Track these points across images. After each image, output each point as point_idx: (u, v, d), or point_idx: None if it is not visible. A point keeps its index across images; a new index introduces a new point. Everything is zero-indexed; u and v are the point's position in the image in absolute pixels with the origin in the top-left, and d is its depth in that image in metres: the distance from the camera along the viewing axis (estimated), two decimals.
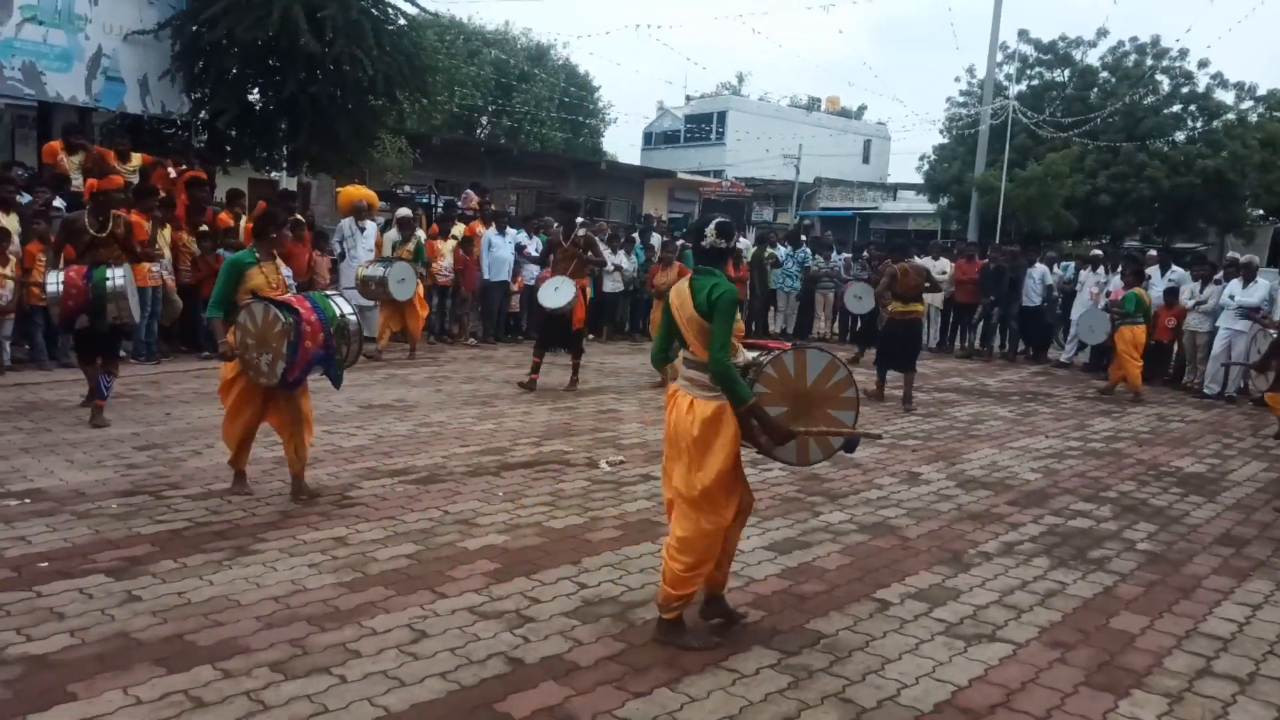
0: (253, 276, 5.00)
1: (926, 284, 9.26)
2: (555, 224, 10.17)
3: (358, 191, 11.96)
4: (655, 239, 14.78)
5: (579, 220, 10.37)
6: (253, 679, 3.12)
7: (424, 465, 5.97)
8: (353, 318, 5.20)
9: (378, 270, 10.12)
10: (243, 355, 4.85)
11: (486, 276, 12.26)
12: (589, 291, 10.49)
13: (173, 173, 10.51)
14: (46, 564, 4.00)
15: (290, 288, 5.39)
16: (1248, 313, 10.21)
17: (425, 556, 4.33)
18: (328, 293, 5.40)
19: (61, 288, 6.25)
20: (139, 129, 12.12)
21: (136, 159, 10.27)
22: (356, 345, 5.30)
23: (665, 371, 3.47)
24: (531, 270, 11.72)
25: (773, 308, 15.59)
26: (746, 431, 3.46)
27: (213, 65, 11.68)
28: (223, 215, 10.40)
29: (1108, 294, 12.13)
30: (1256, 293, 10.56)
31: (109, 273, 6.33)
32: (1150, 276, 11.91)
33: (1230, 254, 12.39)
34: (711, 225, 3.60)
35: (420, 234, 11.42)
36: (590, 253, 9.18)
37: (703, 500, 3.43)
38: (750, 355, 3.62)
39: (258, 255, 5.08)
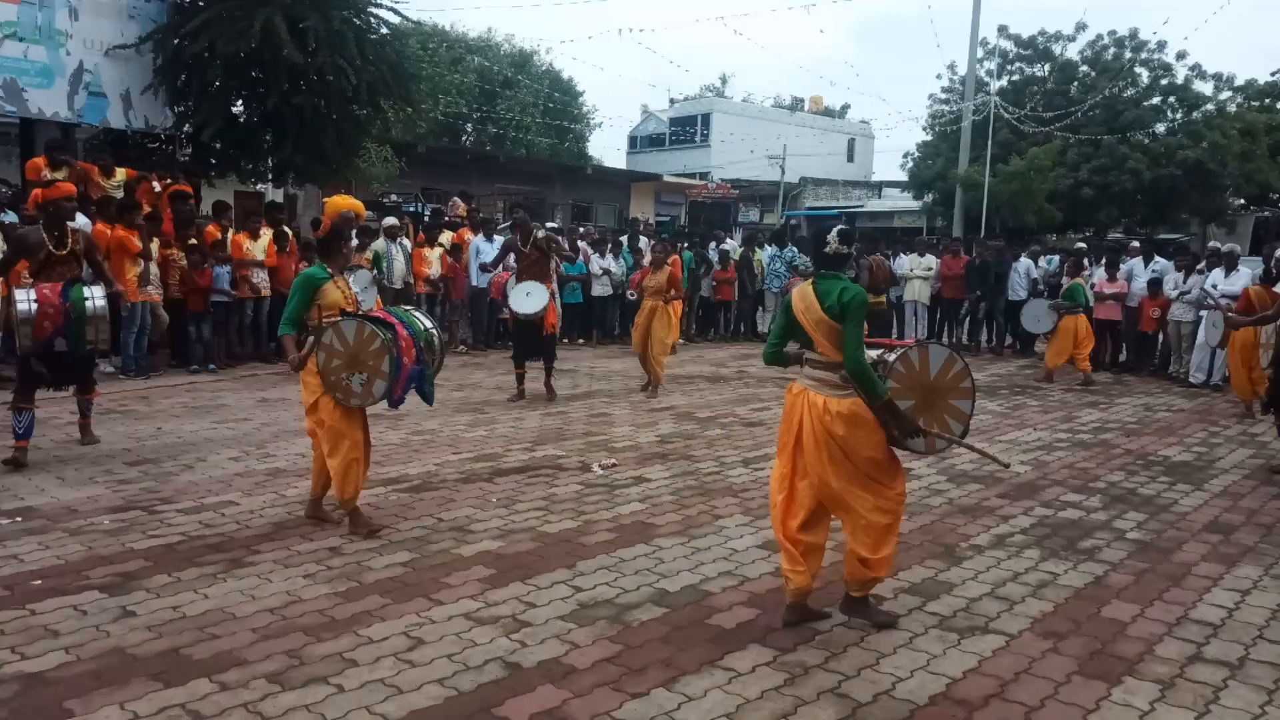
0: (329, 292, 4.77)
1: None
2: (510, 226, 9.60)
3: (345, 202, 11.79)
4: (643, 242, 14.81)
5: (543, 223, 10.32)
6: (250, 691, 3.12)
7: (417, 473, 5.98)
8: (435, 331, 5.06)
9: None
10: (327, 376, 4.59)
11: (475, 283, 12.26)
12: (559, 296, 10.53)
13: (157, 187, 10.49)
14: (40, 581, 3.99)
15: (359, 304, 5.12)
16: (1202, 300, 10.44)
17: (420, 564, 4.34)
18: (404, 306, 5.36)
19: (35, 307, 5.67)
20: (123, 144, 12.07)
21: (121, 174, 10.24)
22: (441, 359, 5.14)
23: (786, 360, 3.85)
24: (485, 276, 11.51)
25: (760, 308, 15.65)
26: (880, 422, 3.67)
27: (195, 78, 11.64)
28: (210, 228, 10.38)
29: (1092, 286, 12.23)
30: (1239, 281, 10.65)
31: (87, 292, 5.87)
32: (1089, 268, 12.57)
33: (1212, 244, 12.52)
34: (834, 232, 3.77)
35: (381, 241, 11.45)
36: (556, 253, 9.05)
37: (872, 485, 3.64)
38: (873, 354, 3.81)
39: (330, 270, 4.85)
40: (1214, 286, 10.76)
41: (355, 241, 10.43)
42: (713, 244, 15.62)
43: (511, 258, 9.19)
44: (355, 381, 4.59)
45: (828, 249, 3.76)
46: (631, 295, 9.28)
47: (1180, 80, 27.23)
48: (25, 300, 5.71)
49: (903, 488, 3.76)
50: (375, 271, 10.11)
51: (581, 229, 16.69)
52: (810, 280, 3.77)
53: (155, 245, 9.36)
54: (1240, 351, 8.59)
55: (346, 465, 4.66)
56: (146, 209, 9.63)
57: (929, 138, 30.36)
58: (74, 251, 6.03)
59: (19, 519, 4.80)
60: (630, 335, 13.25)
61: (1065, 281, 11.51)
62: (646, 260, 13.90)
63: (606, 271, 13.65)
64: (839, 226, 3.84)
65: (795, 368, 3.84)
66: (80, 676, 3.19)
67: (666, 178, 33.76)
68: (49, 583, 3.98)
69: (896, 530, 3.76)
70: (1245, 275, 10.76)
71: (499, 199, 23.68)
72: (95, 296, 5.88)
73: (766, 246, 15.50)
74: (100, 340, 6.00)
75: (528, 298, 8.53)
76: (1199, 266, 11.53)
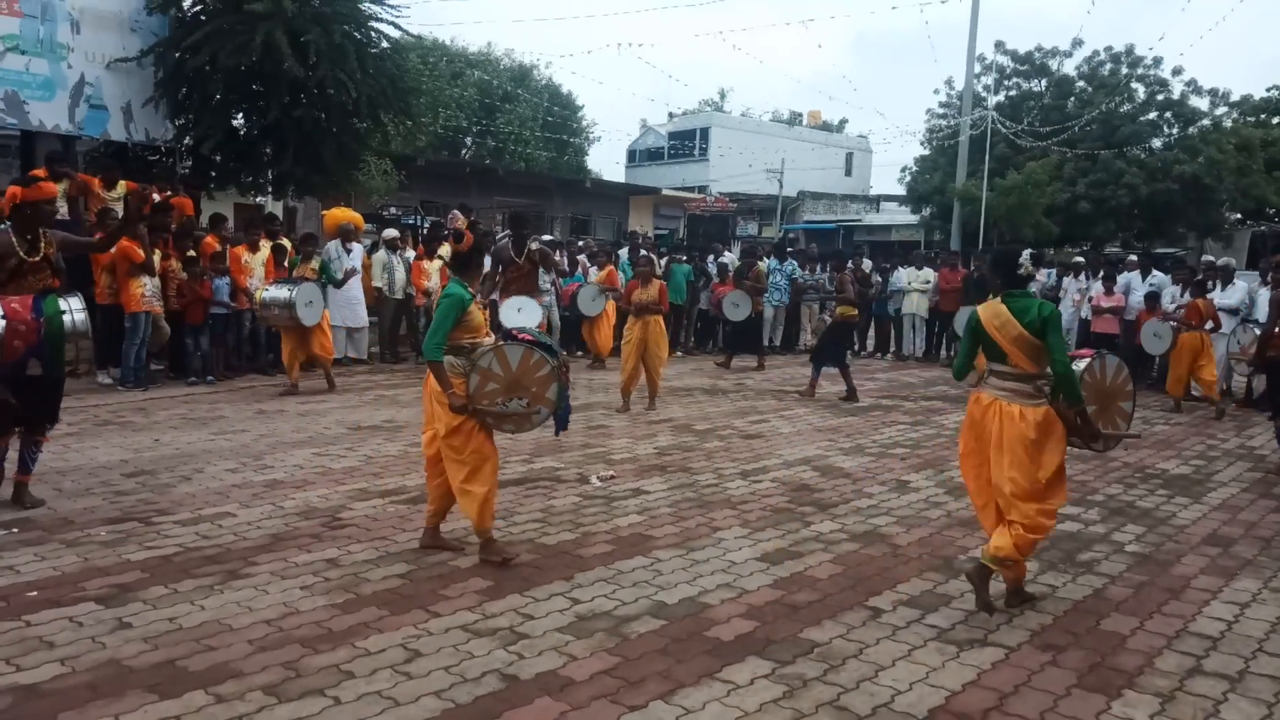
0: (474, 314, 4.50)
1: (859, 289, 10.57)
2: (504, 238, 9.20)
3: (344, 214, 11.98)
4: (643, 255, 14.83)
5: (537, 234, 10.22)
6: (246, 703, 3.10)
7: (415, 485, 5.96)
8: (561, 354, 4.77)
9: (282, 292, 8.98)
10: (479, 401, 4.35)
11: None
12: (556, 309, 10.48)
13: (157, 199, 10.50)
14: (35, 593, 3.98)
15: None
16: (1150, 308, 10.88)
17: (418, 576, 4.32)
18: (530, 327, 5.23)
19: (3, 324, 4.80)
20: (123, 157, 12.11)
21: (121, 186, 10.26)
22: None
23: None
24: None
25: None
26: (1069, 428, 4.11)
27: (196, 91, 11.70)
28: (209, 239, 10.40)
29: (1090, 299, 12.26)
30: (1234, 294, 10.72)
31: (63, 304, 5.02)
32: (1037, 278, 13.07)
33: (1206, 258, 12.57)
34: (1025, 255, 4.14)
35: (383, 253, 11.45)
36: (546, 266, 8.90)
37: (1045, 490, 4.04)
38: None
39: (471, 290, 4.58)
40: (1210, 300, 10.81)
41: (384, 252, 10.30)
42: (711, 257, 15.65)
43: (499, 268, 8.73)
44: (514, 405, 4.42)
45: (1020, 270, 4.14)
46: (629, 309, 9.21)
47: (1176, 96, 27.41)
48: None
49: (1062, 498, 4.19)
50: (323, 280, 9.56)
51: (580, 242, 16.72)
52: (999, 299, 4.12)
53: (157, 257, 9.39)
54: (1186, 355, 10.02)
55: (488, 492, 4.46)
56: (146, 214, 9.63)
57: (927, 152, 30.52)
58: (48, 258, 5.15)
59: (15, 530, 4.78)
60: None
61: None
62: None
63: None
64: (1028, 250, 4.21)
65: (975, 381, 4.31)
66: (75, 688, 3.17)
67: (665, 191, 33.86)
68: (45, 594, 3.97)
69: (1038, 540, 4.14)
70: (1241, 288, 10.81)
71: (498, 212, 23.74)
72: (74, 309, 5.08)
73: (768, 259, 15.52)
74: (81, 360, 5.14)
75: (519, 313, 7.98)
76: (1197, 279, 11.57)
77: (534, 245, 8.76)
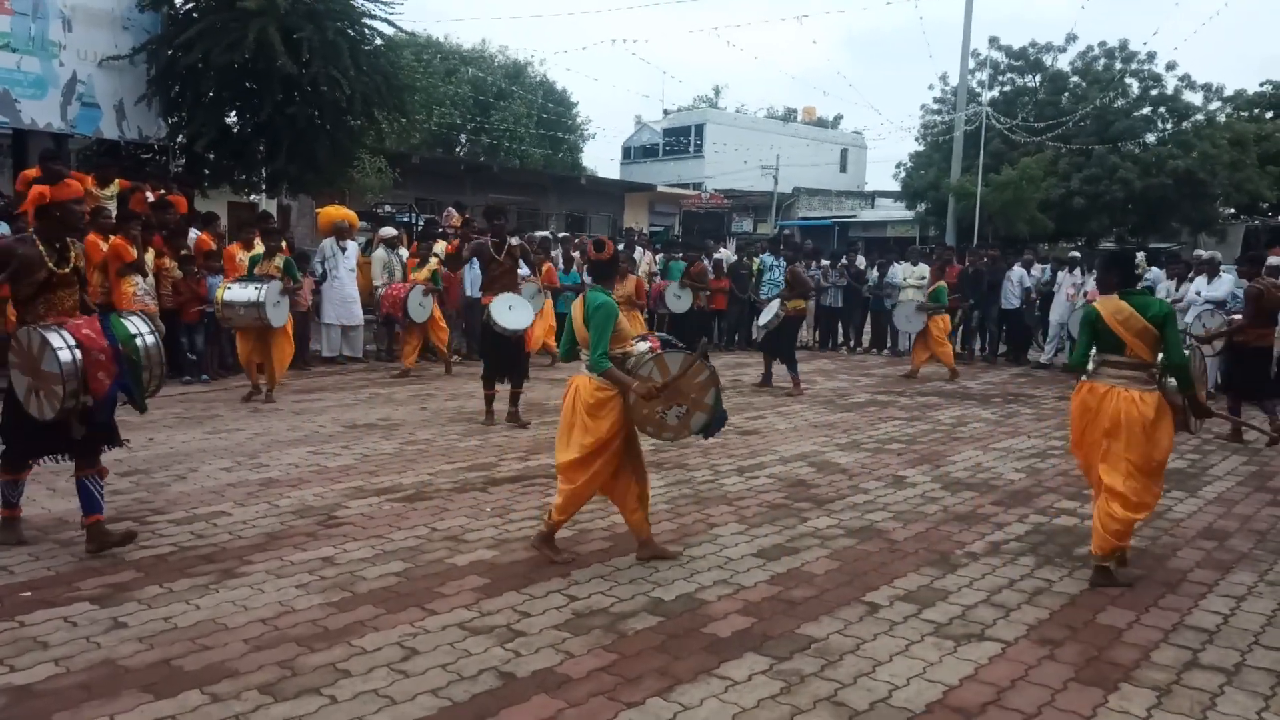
0: (623, 322, 4.46)
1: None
2: (487, 235, 8.71)
3: (338, 212, 11.96)
4: (640, 253, 14.82)
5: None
6: (242, 702, 3.09)
7: (411, 483, 5.95)
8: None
9: (249, 292, 8.21)
10: (639, 410, 4.30)
11: (470, 294, 12.25)
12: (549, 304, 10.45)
13: (151, 197, 10.47)
14: (30, 593, 3.96)
15: None
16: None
17: (414, 574, 4.31)
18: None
19: (79, 354, 4.22)
20: (116, 155, 12.06)
21: (115, 185, 10.22)
22: None
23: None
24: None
25: (755, 317, 15.64)
26: (1176, 411, 4.49)
27: (189, 89, 11.65)
28: (203, 237, 10.37)
29: (1084, 294, 12.28)
30: (1221, 287, 10.78)
31: (131, 326, 4.57)
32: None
33: (1196, 252, 12.65)
34: (1140, 256, 4.68)
35: (381, 251, 11.39)
36: (525, 261, 8.85)
37: (1158, 468, 4.44)
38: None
39: (615, 298, 4.54)
40: (1197, 294, 10.87)
41: (384, 251, 10.13)
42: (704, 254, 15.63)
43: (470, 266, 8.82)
44: (671, 415, 4.38)
45: (1138, 270, 4.66)
46: None
47: (1170, 91, 27.45)
48: (65, 347, 4.21)
49: (1162, 481, 4.60)
50: (287, 279, 8.72)
51: (576, 239, 16.69)
52: (1117, 296, 4.44)
53: (151, 256, 9.35)
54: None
55: (586, 493, 4.49)
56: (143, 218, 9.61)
57: (921, 148, 30.51)
58: (77, 269, 4.54)
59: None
60: None
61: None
62: (641, 270, 13.97)
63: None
64: (1143, 250, 5.00)
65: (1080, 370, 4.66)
66: (70, 688, 3.16)
67: (660, 188, 33.82)
68: (39, 594, 3.95)
69: (1140, 519, 4.50)
70: (1228, 281, 10.87)
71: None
72: (144, 332, 4.60)
73: (764, 255, 15.51)
74: (153, 387, 4.71)
75: (510, 311, 7.78)
76: (1190, 274, 11.63)
77: (514, 241, 8.60)
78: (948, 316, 12.22)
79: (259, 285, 8.33)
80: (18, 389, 4.35)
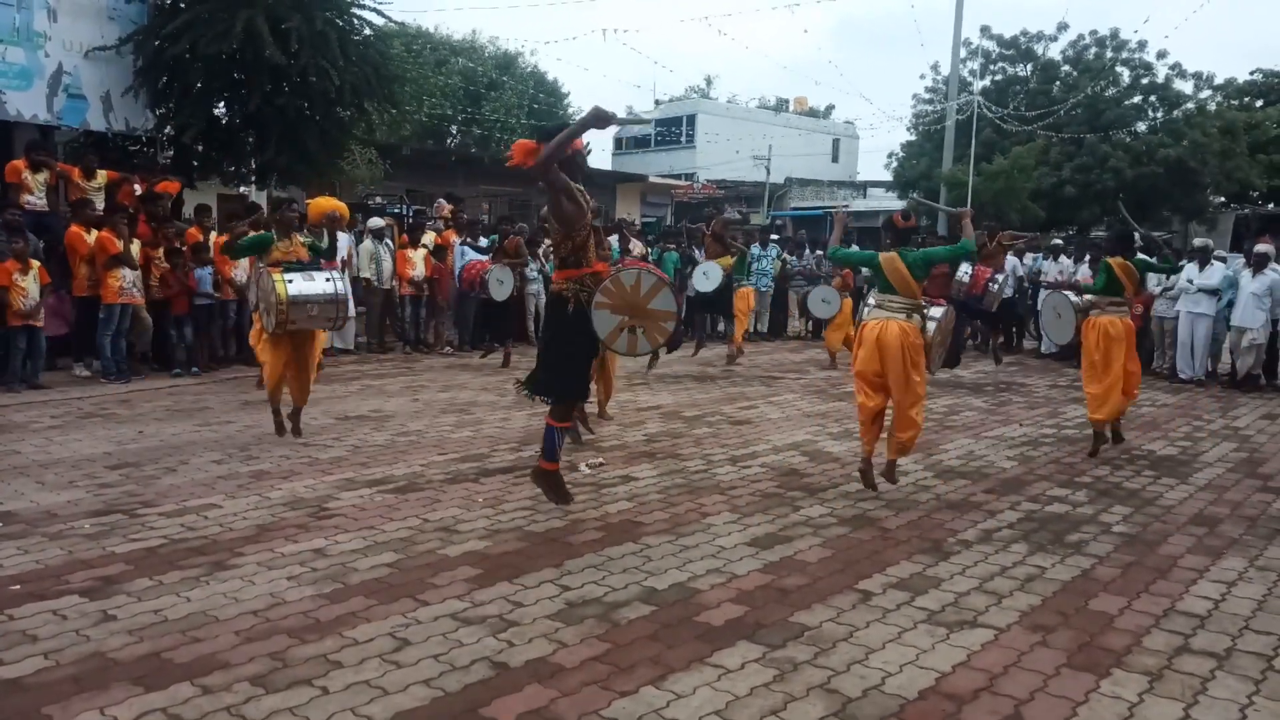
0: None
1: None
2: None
3: (329, 203, 11.75)
4: (633, 244, 14.77)
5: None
6: (233, 694, 3.07)
7: (402, 474, 5.93)
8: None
9: (319, 285, 6.64)
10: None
11: (459, 285, 12.22)
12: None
13: (139, 189, 10.39)
14: (18, 587, 3.93)
15: None
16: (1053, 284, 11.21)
17: (406, 565, 4.30)
18: None
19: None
20: (103, 146, 11.96)
21: (101, 176, 10.14)
22: None
23: None
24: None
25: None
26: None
27: (177, 80, 11.54)
28: (192, 230, 10.30)
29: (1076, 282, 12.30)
30: (1213, 275, 10.82)
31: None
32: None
33: (1194, 239, 12.70)
34: (1138, 234, 6.08)
35: (369, 242, 11.33)
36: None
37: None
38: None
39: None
40: (1189, 281, 10.91)
41: (371, 242, 10.12)
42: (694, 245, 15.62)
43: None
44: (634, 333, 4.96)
45: (1136, 244, 6.21)
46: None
47: (1161, 79, 27.53)
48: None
49: None
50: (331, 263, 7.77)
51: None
52: (1122, 258, 6.77)
53: (137, 247, 9.28)
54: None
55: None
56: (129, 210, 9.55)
57: (913, 138, 30.56)
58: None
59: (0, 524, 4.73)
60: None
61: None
62: (634, 255, 13.91)
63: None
64: (1138, 231, 6.06)
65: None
66: (59, 682, 3.13)
67: (652, 178, 33.71)
68: (28, 587, 3.92)
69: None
70: (1219, 269, 10.90)
71: (484, 200, 23.61)
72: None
73: (754, 246, 15.51)
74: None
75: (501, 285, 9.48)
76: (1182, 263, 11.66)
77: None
78: (750, 291, 12.38)
79: (327, 275, 6.77)
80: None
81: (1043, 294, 9.15)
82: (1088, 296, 7.22)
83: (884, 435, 5.75)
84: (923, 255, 5.65)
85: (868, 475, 5.68)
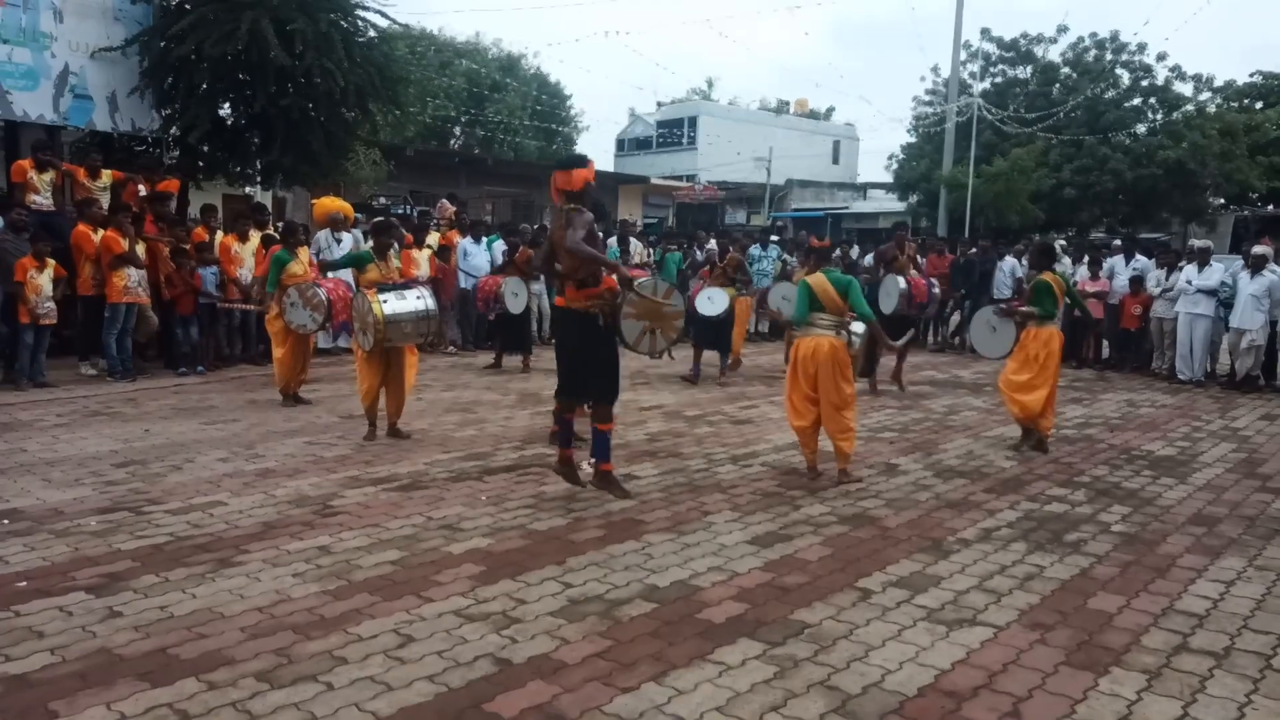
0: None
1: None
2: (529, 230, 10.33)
3: (333, 204, 11.91)
4: (633, 244, 14.82)
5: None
6: (238, 690, 3.11)
7: (406, 473, 5.96)
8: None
9: (411, 303, 6.82)
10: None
11: (464, 285, 12.27)
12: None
13: (144, 189, 10.43)
14: (25, 583, 3.96)
15: None
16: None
17: (410, 562, 4.33)
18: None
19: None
20: (109, 147, 12.00)
21: (107, 176, 10.19)
22: None
23: None
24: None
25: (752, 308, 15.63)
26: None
27: (182, 81, 11.57)
28: (198, 230, 10.34)
29: (1075, 284, 12.33)
30: (1212, 276, 10.84)
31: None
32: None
33: (1191, 241, 12.72)
34: (1058, 243, 5.70)
35: (322, 237, 11.35)
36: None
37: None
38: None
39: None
40: (1188, 282, 10.93)
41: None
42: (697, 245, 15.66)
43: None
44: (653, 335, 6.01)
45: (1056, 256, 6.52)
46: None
47: (1160, 81, 27.54)
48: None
49: None
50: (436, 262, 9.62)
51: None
52: (1050, 273, 6.92)
53: (142, 247, 9.32)
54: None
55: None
56: (134, 210, 9.59)
57: (913, 139, 30.58)
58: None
59: (4, 521, 4.76)
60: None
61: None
62: (635, 260, 13.96)
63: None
64: (1060, 241, 5.54)
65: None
66: (65, 678, 3.17)
67: (654, 180, 33.81)
68: (34, 584, 3.95)
69: None
70: (1218, 270, 10.93)
71: (487, 201, 23.68)
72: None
73: (755, 247, 15.53)
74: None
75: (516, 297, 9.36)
76: (1180, 264, 11.69)
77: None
78: (748, 301, 11.34)
79: (417, 293, 6.96)
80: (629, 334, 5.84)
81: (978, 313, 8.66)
82: (1031, 319, 7.09)
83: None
84: (846, 280, 6.03)
85: (818, 477, 6.06)
